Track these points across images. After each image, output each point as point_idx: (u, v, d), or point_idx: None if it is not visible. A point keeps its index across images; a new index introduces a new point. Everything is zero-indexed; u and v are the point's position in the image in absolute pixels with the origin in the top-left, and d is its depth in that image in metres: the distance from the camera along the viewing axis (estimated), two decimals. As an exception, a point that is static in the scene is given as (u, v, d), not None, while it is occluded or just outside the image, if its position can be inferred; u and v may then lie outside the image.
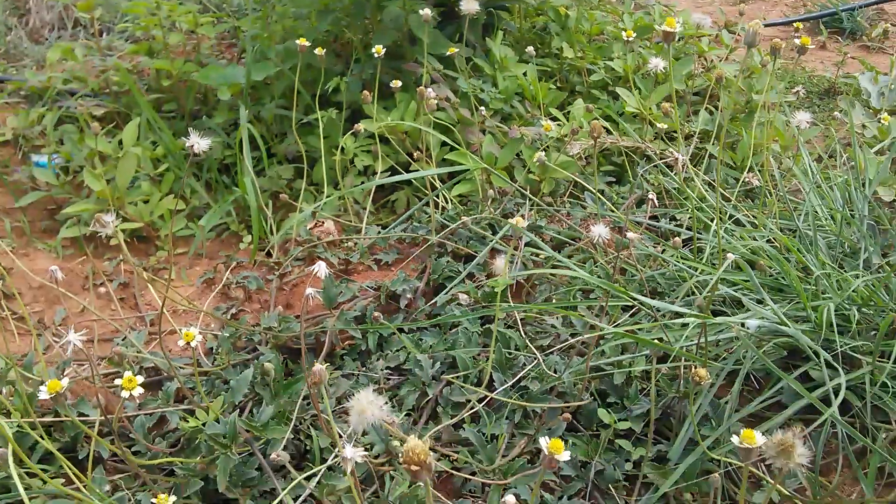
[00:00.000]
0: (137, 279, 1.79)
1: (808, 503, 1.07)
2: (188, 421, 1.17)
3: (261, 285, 1.62)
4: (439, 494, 1.08)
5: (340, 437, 1.03)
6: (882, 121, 1.86)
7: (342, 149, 2.03)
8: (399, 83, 2.04)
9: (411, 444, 0.65)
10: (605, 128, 2.08)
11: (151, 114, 2.10)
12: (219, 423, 1.12)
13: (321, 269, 1.04)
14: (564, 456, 0.77)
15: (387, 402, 0.84)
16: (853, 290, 1.22)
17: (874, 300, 1.25)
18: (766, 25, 3.08)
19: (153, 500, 0.92)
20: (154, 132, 2.18)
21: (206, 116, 2.29)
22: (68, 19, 3.14)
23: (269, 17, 2.46)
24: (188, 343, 1.10)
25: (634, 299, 1.13)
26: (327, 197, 1.94)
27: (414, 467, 0.64)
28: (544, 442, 0.77)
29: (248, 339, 1.43)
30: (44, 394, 0.90)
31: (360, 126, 1.94)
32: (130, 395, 1.01)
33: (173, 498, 0.93)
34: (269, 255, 1.86)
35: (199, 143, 1.10)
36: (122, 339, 1.53)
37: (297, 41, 1.89)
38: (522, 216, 1.59)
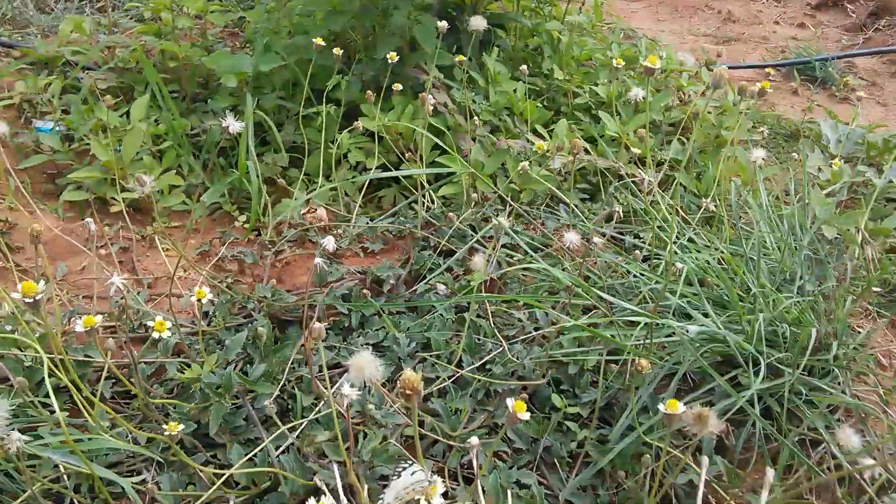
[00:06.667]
0: (136, 245, 1.90)
1: (722, 487, 1.23)
2: (185, 372, 1.29)
3: (255, 260, 1.74)
4: (406, 453, 1.22)
5: (326, 392, 1.16)
6: (833, 165, 2.04)
7: (337, 143, 2.16)
8: (399, 87, 2.18)
9: (407, 373, 0.78)
10: (584, 148, 2.24)
11: (163, 89, 2.21)
12: (214, 374, 1.25)
13: (329, 242, 1.16)
14: (525, 416, 0.91)
15: (382, 364, 0.94)
16: (783, 309, 1.38)
17: (802, 320, 1.42)
18: (743, 67, 3.29)
19: (164, 427, 1.04)
20: (156, 109, 2.29)
21: (208, 100, 2.41)
22: (76, -8, 3.24)
23: (277, 12, 2.59)
24: (199, 300, 1.21)
25: (597, 296, 1.28)
26: (321, 186, 2.07)
27: (409, 392, 0.78)
28: (510, 402, 0.91)
29: (242, 306, 1.55)
30: (79, 326, 1.02)
31: (360, 123, 2.07)
32: (160, 335, 1.12)
33: (181, 426, 1.05)
34: (258, 235, 1.98)
35: (233, 124, 1.21)
36: (121, 298, 1.63)
37: (314, 39, 2.02)
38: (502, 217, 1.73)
